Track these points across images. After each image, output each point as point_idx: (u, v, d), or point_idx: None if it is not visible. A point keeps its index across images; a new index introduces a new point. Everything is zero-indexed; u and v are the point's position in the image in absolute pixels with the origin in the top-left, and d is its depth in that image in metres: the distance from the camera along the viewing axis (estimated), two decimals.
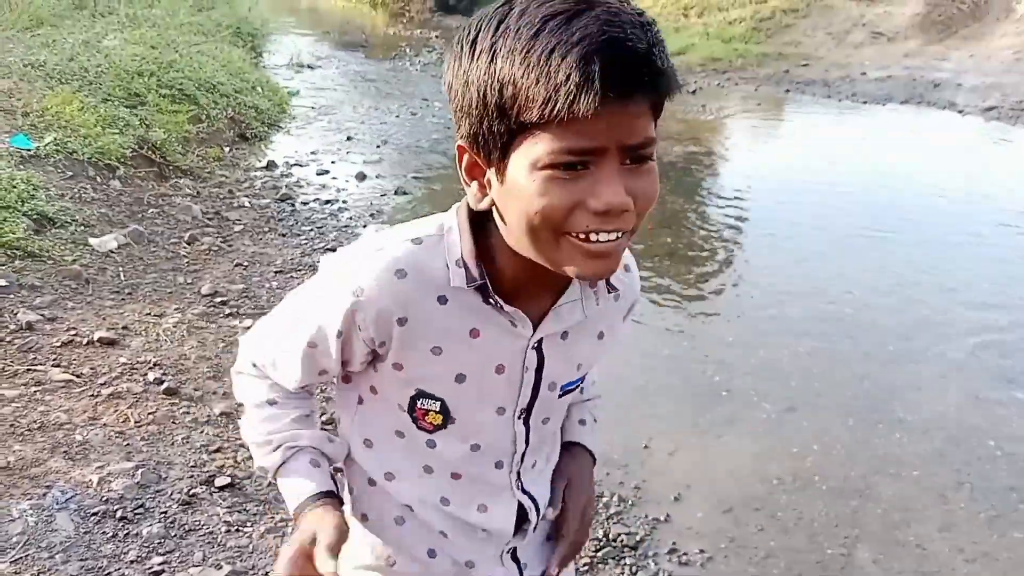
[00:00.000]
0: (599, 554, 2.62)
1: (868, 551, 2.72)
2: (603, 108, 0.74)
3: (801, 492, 3.01)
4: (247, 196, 5.96)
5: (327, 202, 6.04)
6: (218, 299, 4.06)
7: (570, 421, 1.19)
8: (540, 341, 0.97)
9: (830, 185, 6.98)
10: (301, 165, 7.07)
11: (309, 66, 12.47)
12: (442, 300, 0.92)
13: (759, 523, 2.84)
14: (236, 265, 4.59)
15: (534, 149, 0.79)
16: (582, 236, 0.81)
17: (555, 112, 0.75)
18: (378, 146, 7.96)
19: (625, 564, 2.59)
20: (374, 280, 0.91)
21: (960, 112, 9.70)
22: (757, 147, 8.76)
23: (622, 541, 2.69)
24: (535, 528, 1.12)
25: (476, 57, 0.80)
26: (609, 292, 0.99)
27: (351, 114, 9.22)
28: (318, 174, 6.83)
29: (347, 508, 1.11)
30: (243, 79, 8.72)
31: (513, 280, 0.92)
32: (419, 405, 0.98)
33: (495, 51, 0.78)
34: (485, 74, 0.79)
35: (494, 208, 0.88)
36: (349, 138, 8.13)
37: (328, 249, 4.93)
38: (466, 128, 0.84)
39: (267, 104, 8.56)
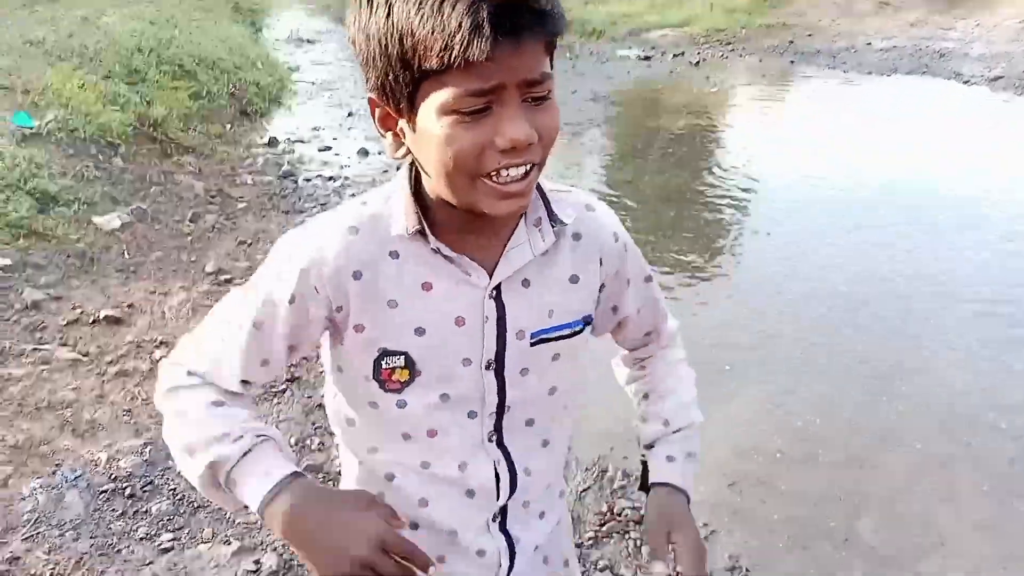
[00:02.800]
0: (604, 528, 2.64)
1: (870, 522, 2.74)
2: (496, 51, 0.78)
3: (803, 465, 3.03)
4: (249, 173, 5.96)
5: (330, 178, 6.04)
6: (223, 277, 4.07)
7: (657, 459, 1.16)
8: (498, 290, 0.98)
9: (834, 159, 6.94)
10: (303, 141, 7.05)
11: (310, 41, 12.39)
12: (394, 255, 0.95)
13: (762, 496, 2.86)
14: (240, 243, 4.59)
15: (439, 96, 0.82)
16: (494, 176, 0.86)
17: (452, 59, 0.79)
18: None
19: (630, 538, 2.62)
20: (328, 239, 0.94)
21: (966, 82, 9.61)
22: (761, 120, 8.70)
23: (627, 516, 2.71)
24: (523, 503, 1.10)
25: (374, 10, 0.83)
26: (555, 226, 1.00)
27: (353, 89, 9.17)
28: (320, 150, 6.81)
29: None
30: (243, 54, 8.69)
31: (454, 229, 0.95)
32: (384, 365, 0.98)
33: (391, 3, 0.82)
34: (384, 26, 0.82)
35: (415, 160, 0.92)
36: (351, 114, 8.10)
37: None
38: (373, 80, 0.87)
39: (268, 80, 8.53)
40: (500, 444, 1.06)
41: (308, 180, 5.97)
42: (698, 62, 11.17)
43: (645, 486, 1.16)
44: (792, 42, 11.92)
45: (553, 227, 1.00)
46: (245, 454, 0.93)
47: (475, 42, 0.77)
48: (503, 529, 1.10)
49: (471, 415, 1.03)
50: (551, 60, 0.88)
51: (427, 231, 0.94)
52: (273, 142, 6.88)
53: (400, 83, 0.85)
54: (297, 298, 0.95)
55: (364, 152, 6.73)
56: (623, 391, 1.32)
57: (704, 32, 12.63)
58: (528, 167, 0.87)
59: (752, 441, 3.16)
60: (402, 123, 0.90)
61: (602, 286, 1.08)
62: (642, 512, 2.72)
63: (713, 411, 3.34)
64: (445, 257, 0.95)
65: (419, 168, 0.93)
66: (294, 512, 0.90)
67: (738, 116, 8.87)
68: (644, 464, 1.18)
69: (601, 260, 1.06)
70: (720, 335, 3.95)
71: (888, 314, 4.22)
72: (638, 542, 2.60)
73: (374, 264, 0.95)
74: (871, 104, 9.06)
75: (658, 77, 10.55)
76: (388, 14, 0.82)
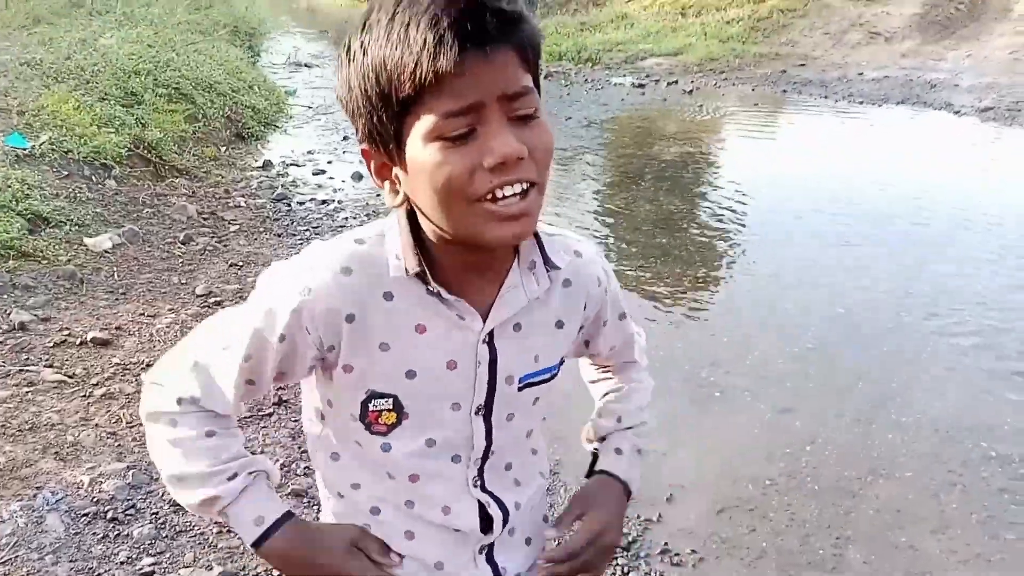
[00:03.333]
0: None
1: (860, 552, 2.72)
2: (465, 62, 0.78)
3: (794, 493, 3.01)
4: (243, 196, 5.96)
5: (323, 202, 6.04)
6: (212, 299, 4.06)
7: (605, 451, 1.19)
8: (491, 335, 0.97)
9: (825, 186, 6.99)
10: (297, 165, 7.07)
11: (306, 65, 12.48)
12: (388, 296, 0.94)
13: (751, 524, 2.84)
14: (231, 265, 4.58)
15: (422, 125, 0.82)
16: (490, 198, 0.83)
17: (423, 77, 0.79)
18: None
19: (617, 564, 2.59)
20: (321, 279, 0.92)
21: (957, 112, 9.70)
22: (753, 148, 8.76)
23: None
24: (508, 530, 1.10)
25: (352, 60, 0.85)
26: (549, 270, 0.99)
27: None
28: (314, 174, 6.83)
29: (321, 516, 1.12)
30: (240, 78, 8.73)
31: (451, 270, 0.94)
32: (371, 408, 0.97)
33: (365, 48, 0.83)
34: (361, 69, 0.84)
35: (412, 203, 0.91)
36: (346, 138, 8.13)
37: None
38: (363, 130, 0.88)
39: (264, 103, 8.56)
40: (483, 488, 1.06)
41: (301, 203, 5.98)
42: (692, 90, 11.27)
43: (591, 474, 1.18)
44: (784, 71, 12.04)
45: (548, 271, 0.99)
46: (241, 492, 0.98)
47: (440, 54, 0.78)
48: (490, 560, 1.10)
49: (455, 459, 1.03)
50: (535, 80, 0.87)
51: (427, 273, 0.92)
52: (267, 165, 6.89)
53: (384, 123, 0.85)
54: (287, 337, 0.93)
55: (358, 176, 6.74)
56: None
57: (698, 61, 12.76)
58: (525, 186, 0.85)
59: (742, 468, 3.15)
60: (396, 170, 0.90)
61: (581, 327, 1.09)
62: (629, 538, 2.70)
63: (703, 437, 3.34)
64: (441, 300, 0.94)
65: (417, 211, 0.91)
66: (287, 554, 0.99)
67: (731, 144, 8.93)
68: (594, 454, 1.21)
69: (585, 305, 1.07)
70: (711, 361, 3.94)
71: (879, 342, 4.22)
72: (626, 569, 2.57)
73: (367, 306, 0.93)
74: (862, 133, 9.14)
75: (652, 104, 10.63)
76: (364, 57, 0.83)
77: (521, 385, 1.02)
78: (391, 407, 0.97)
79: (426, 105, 0.81)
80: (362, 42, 0.84)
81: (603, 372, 1.27)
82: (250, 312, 0.96)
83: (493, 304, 0.96)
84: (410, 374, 0.96)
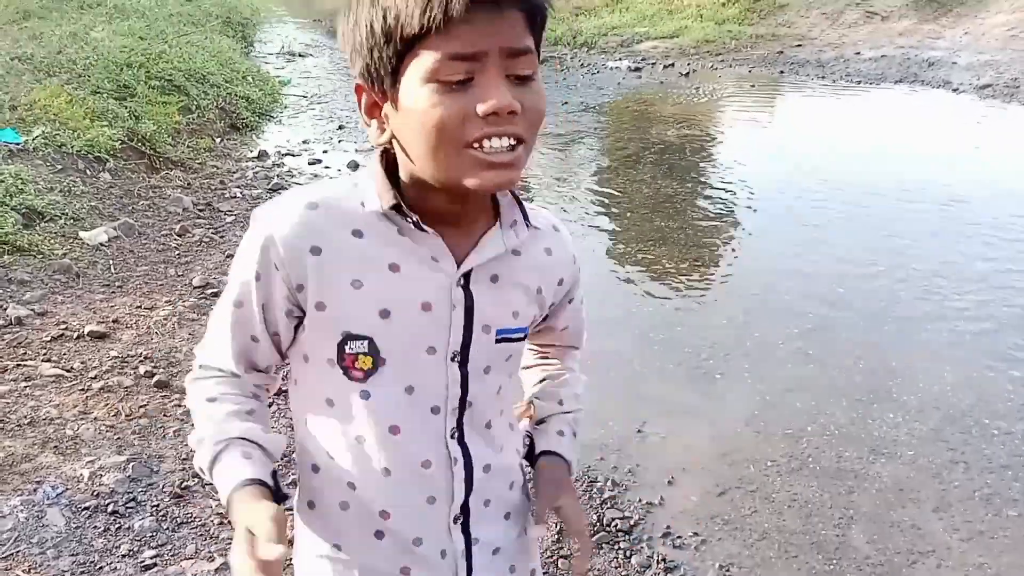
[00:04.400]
0: (593, 539, 2.61)
1: (862, 532, 2.72)
2: (476, 11, 0.82)
3: (795, 474, 3.01)
4: (238, 187, 5.93)
5: None
6: (209, 291, 4.04)
7: (547, 432, 1.20)
8: (467, 279, 0.99)
9: (824, 167, 6.96)
10: (293, 155, 7.04)
11: (300, 55, 12.41)
12: (358, 234, 0.95)
13: (753, 505, 2.84)
14: (227, 256, 4.56)
15: (421, 64, 0.85)
16: (477, 145, 0.86)
17: (432, 18, 0.81)
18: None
19: (619, 548, 2.59)
20: (285, 214, 0.94)
21: (955, 90, 9.66)
22: (751, 129, 8.73)
23: (616, 526, 2.68)
24: (483, 501, 1.09)
25: (360, 1, 0.88)
26: (528, 227, 1.02)
27: (343, 103, 9.17)
28: (310, 163, 6.80)
29: (295, 498, 1.09)
30: (233, 69, 8.68)
31: (431, 216, 0.95)
32: (347, 350, 0.97)
33: None
34: (370, 8, 0.86)
35: (396, 145, 0.93)
36: (341, 127, 8.09)
37: None
38: (360, 65, 0.90)
39: (258, 94, 8.52)
40: (461, 442, 1.05)
41: None
42: (688, 73, 11.21)
43: (531, 455, 1.20)
44: (781, 52, 11.98)
45: (528, 227, 1.02)
46: (214, 460, 0.97)
47: (461, 10, 0.80)
48: (465, 531, 1.09)
49: (434, 411, 1.02)
50: (537, 44, 0.89)
51: (403, 206, 0.94)
52: (263, 155, 6.86)
53: (384, 59, 0.87)
54: (261, 275, 0.96)
55: (354, 165, 6.71)
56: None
57: (694, 43, 12.69)
58: (513, 141, 0.87)
59: (743, 449, 3.14)
60: (386, 107, 0.92)
61: (552, 304, 1.12)
62: (631, 522, 2.70)
63: (704, 419, 3.33)
64: (413, 240, 0.95)
65: (402, 151, 0.93)
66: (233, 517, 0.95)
67: (728, 126, 8.90)
68: (530, 436, 1.22)
69: (562, 280, 1.11)
70: (711, 343, 3.94)
71: (879, 322, 4.21)
72: (628, 552, 2.57)
73: (335, 241, 0.95)
74: (860, 113, 9.10)
75: (648, 88, 10.58)
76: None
77: (499, 338, 1.03)
78: (367, 350, 0.97)
79: (430, 46, 0.83)
80: None
81: (540, 357, 1.29)
82: (235, 261, 1.00)
83: (470, 253, 0.98)
84: (384, 313, 0.96)
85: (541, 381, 1.25)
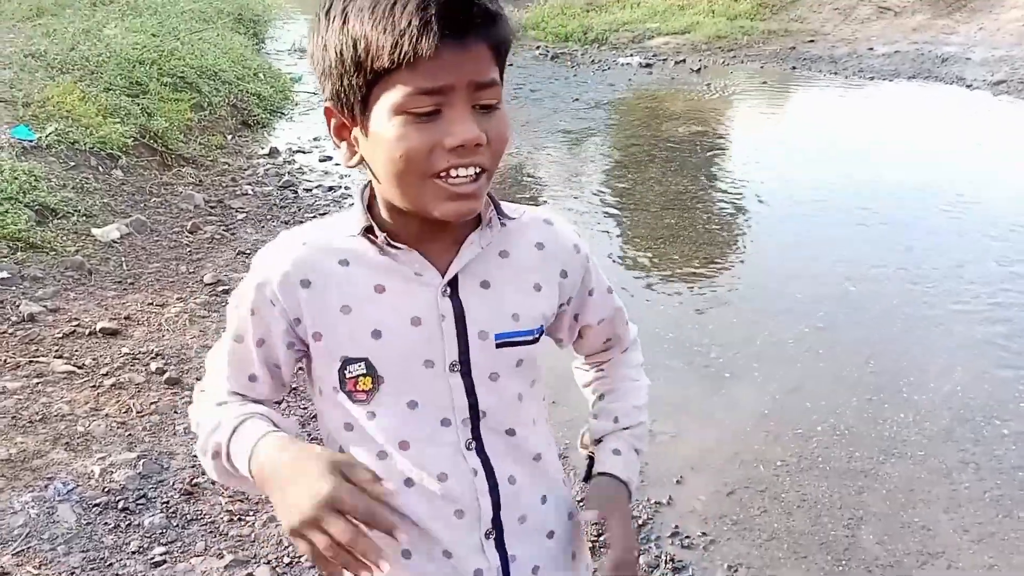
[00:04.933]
0: (601, 538, 2.61)
1: (872, 532, 2.71)
2: (444, 48, 0.84)
3: (805, 474, 3.00)
4: (250, 184, 5.96)
5: (330, 188, 6.03)
6: (220, 288, 4.06)
7: (603, 452, 1.17)
8: (454, 289, 0.99)
9: (835, 164, 6.91)
10: (304, 152, 7.05)
11: None
12: (343, 263, 0.99)
13: (762, 505, 2.83)
14: (239, 253, 4.58)
15: (390, 96, 0.87)
16: (443, 175, 0.89)
17: (402, 55, 0.84)
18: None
19: None
20: (278, 253, 1.00)
21: (968, 86, 9.58)
22: (762, 126, 8.68)
23: None
24: (519, 518, 1.06)
25: (331, 22, 0.89)
26: (503, 224, 1.02)
27: None
28: (321, 160, 6.81)
29: None
30: (245, 66, 8.70)
31: (405, 236, 0.98)
32: (347, 374, 0.99)
33: (347, 14, 0.87)
34: (339, 35, 0.88)
35: (367, 168, 0.96)
36: None
37: None
38: (329, 89, 0.93)
39: (269, 91, 8.53)
40: (480, 452, 1.03)
41: (308, 190, 5.96)
42: (699, 69, 11.16)
43: (589, 477, 1.18)
44: (794, 48, 11.90)
45: (501, 222, 1.03)
46: (234, 431, 0.97)
47: (424, 37, 0.83)
48: (500, 547, 1.06)
49: (444, 423, 1.02)
50: (501, 73, 0.92)
51: (375, 229, 0.97)
52: (274, 153, 6.88)
53: (354, 87, 0.89)
54: (256, 311, 1.00)
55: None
56: None
57: (706, 39, 12.62)
58: (477, 171, 0.90)
59: (753, 449, 3.13)
60: (356, 132, 0.94)
61: (569, 299, 1.11)
62: (640, 521, 2.69)
63: (713, 419, 3.32)
64: (394, 259, 0.98)
65: (372, 175, 0.96)
66: (265, 466, 0.92)
67: (739, 122, 8.85)
68: (590, 457, 1.20)
69: (565, 272, 1.08)
70: (721, 341, 3.92)
71: (891, 321, 4.19)
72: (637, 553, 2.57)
73: (323, 272, 0.98)
74: (873, 109, 9.03)
75: (659, 84, 10.54)
76: (344, 23, 0.88)
77: (498, 343, 1.02)
78: (365, 371, 0.99)
79: (399, 79, 0.86)
80: (344, 8, 0.88)
81: (597, 372, 1.26)
82: (235, 296, 1.03)
83: (452, 260, 1.00)
84: (376, 334, 0.98)
85: (600, 397, 1.22)
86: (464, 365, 1.01)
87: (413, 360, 0.99)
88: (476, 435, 1.03)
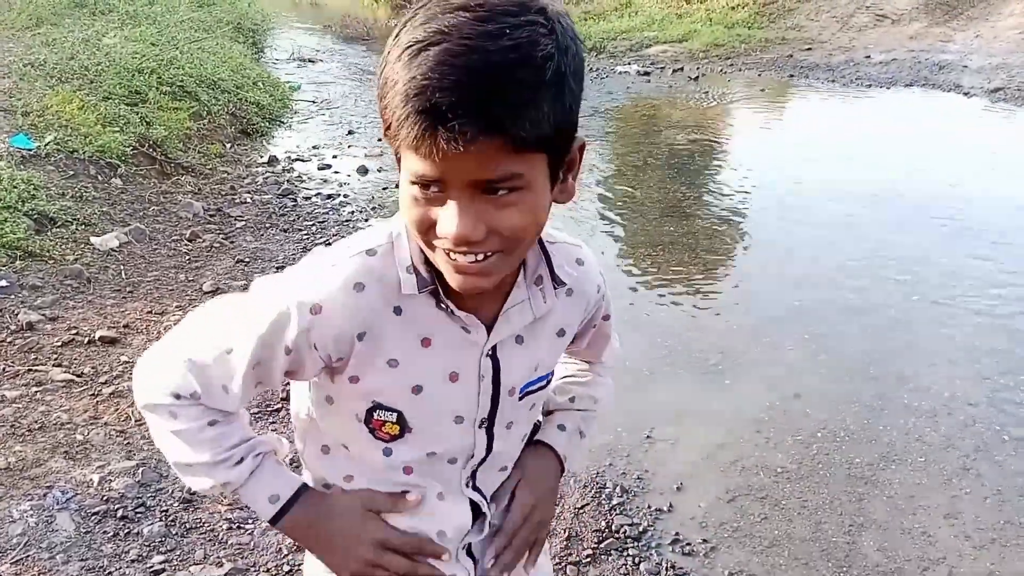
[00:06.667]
0: (602, 545, 2.61)
1: (873, 539, 2.70)
2: (436, 143, 0.74)
3: (805, 480, 2.99)
4: (249, 192, 5.95)
5: (329, 197, 6.02)
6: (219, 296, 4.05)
7: (550, 423, 1.18)
8: (494, 348, 0.97)
9: (834, 171, 6.93)
10: (303, 160, 7.05)
11: (310, 60, 12.43)
12: (397, 311, 0.93)
13: (763, 512, 2.82)
14: (238, 262, 4.58)
15: (406, 162, 0.82)
16: (446, 251, 0.84)
17: (398, 141, 0.78)
18: (379, 139, 7.91)
19: (628, 555, 2.58)
20: (332, 297, 0.90)
21: (966, 94, 9.60)
22: (760, 134, 8.70)
23: (625, 532, 2.67)
24: (490, 524, 1.12)
25: (386, 54, 0.80)
26: (556, 287, 0.98)
27: (352, 108, 9.19)
28: (320, 168, 6.81)
29: None
30: (244, 75, 8.70)
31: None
32: (376, 416, 0.98)
33: (386, 59, 0.79)
34: (380, 89, 0.80)
35: None
36: (351, 132, 8.11)
37: (329, 244, 4.92)
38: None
39: (268, 99, 8.53)
40: (474, 487, 1.08)
41: (307, 199, 5.96)
42: (697, 77, 11.19)
43: (528, 443, 1.18)
44: (791, 56, 11.93)
45: (555, 288, 0.99)
46: (250, 475, 1.00)
47: (415, 126, 0.74)
48: (469, 553, 1.11)
49: (451, 461, 1.04)
50: (553, 155, 0.83)
51: (440, 290, 0.91)
52: (273, 161, 6.88)
53: (388, 136, 0.82)
54: (294, 351, 0.92)
55: (363, 170, 6.72)
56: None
57: (703, 47, 12.64)
58: (482, 255, 0.83)
59: (753, 456, 3.13)
60: None
61: (578, 333, 1.12)
62: (640, 528, 2.69)
63: (713, 425, 3.32)
64: (447, 314, 0.93)
65: None
66: (305, 526, 1.01)
67: (737, 130, 8.87)
68: (535, 425, 1.20)
69: (584, 316, 1.09)
70: (720, 348, 3.92)
71: (892, 326, 4.19)
72: (637, 559, 2.56)
73: (378, 323, 0.92)
74: (871, 116, 9.05)
75: (658, 92, 10.56)
76: (383, 68, 0.80)
77: (522, 395, 1.03)
78: (395, 420, 0.98)
79: (408, 150, 0.80)
80: (388, 51, 0.79)
81: (567, 358, 1.27)
82: (255, 318, 0.92)
83: (497, 317, 0.95)
84: (416, 389, 0.96)
85: (564, 377, 1.23)
86: (490, 420, 1.01)
87: (445, 416, 0.99)
88: (474, 472, 1.07)
